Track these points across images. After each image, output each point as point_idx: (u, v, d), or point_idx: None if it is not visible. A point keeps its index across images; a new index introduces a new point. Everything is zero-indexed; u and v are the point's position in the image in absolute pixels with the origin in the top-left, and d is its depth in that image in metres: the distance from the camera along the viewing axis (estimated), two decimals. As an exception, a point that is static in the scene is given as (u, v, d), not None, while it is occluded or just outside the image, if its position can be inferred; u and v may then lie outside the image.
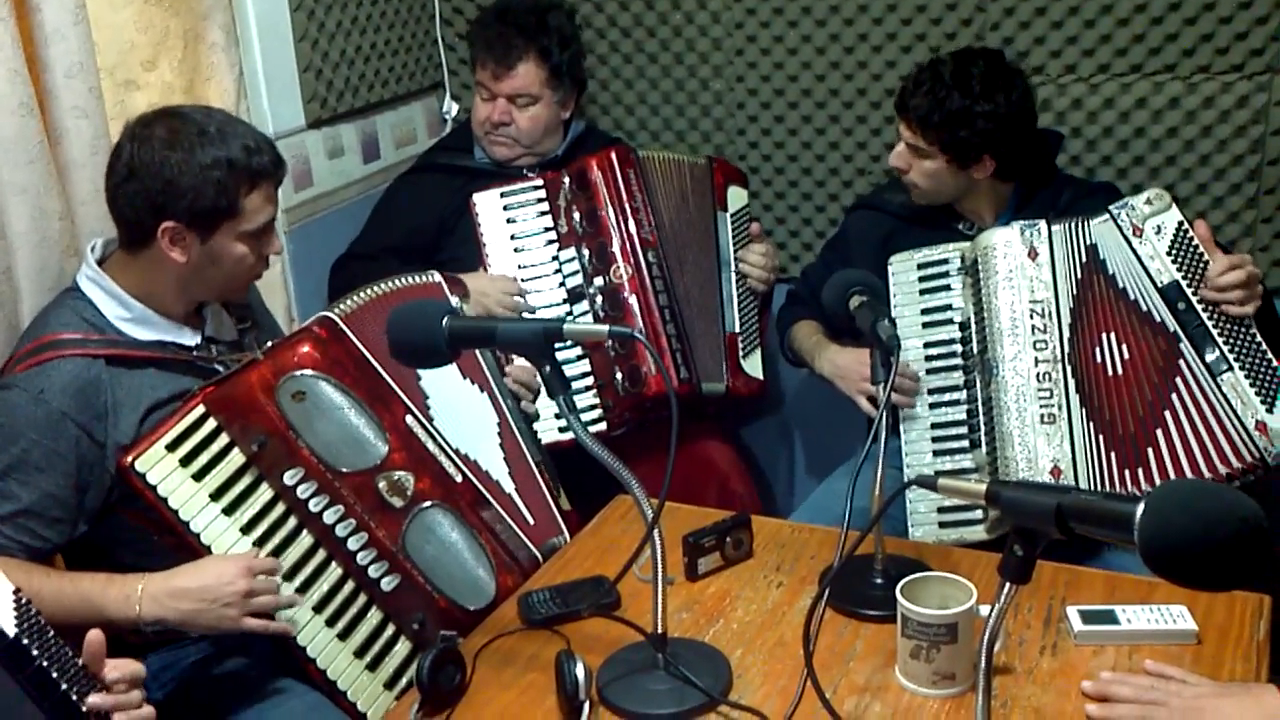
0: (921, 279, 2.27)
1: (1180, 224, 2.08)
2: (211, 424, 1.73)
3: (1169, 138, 2.66)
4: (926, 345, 2.25)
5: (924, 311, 2.26)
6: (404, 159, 2.97)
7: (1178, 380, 2.06)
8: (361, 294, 1.99)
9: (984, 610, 1.33)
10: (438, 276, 2.16)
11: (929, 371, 2.23)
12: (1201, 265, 2.05)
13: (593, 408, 2.51)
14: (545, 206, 2.58)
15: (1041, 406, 2.07)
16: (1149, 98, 2.64)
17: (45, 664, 1.20)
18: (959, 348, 2.21)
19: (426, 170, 2.79)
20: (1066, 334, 2.10)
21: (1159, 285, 2.07)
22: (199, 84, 2.41)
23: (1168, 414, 2.06)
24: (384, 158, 2.98)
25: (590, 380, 2.53)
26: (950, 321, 2.23)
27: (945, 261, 2.25)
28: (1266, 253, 2.67)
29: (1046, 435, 2.06)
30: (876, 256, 2.31)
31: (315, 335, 1.84)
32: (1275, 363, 2.02)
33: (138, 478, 1.68)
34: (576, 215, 2.56)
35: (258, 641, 1.83)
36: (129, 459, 1.68)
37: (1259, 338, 2.04)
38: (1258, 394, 2.02)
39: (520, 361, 2.13)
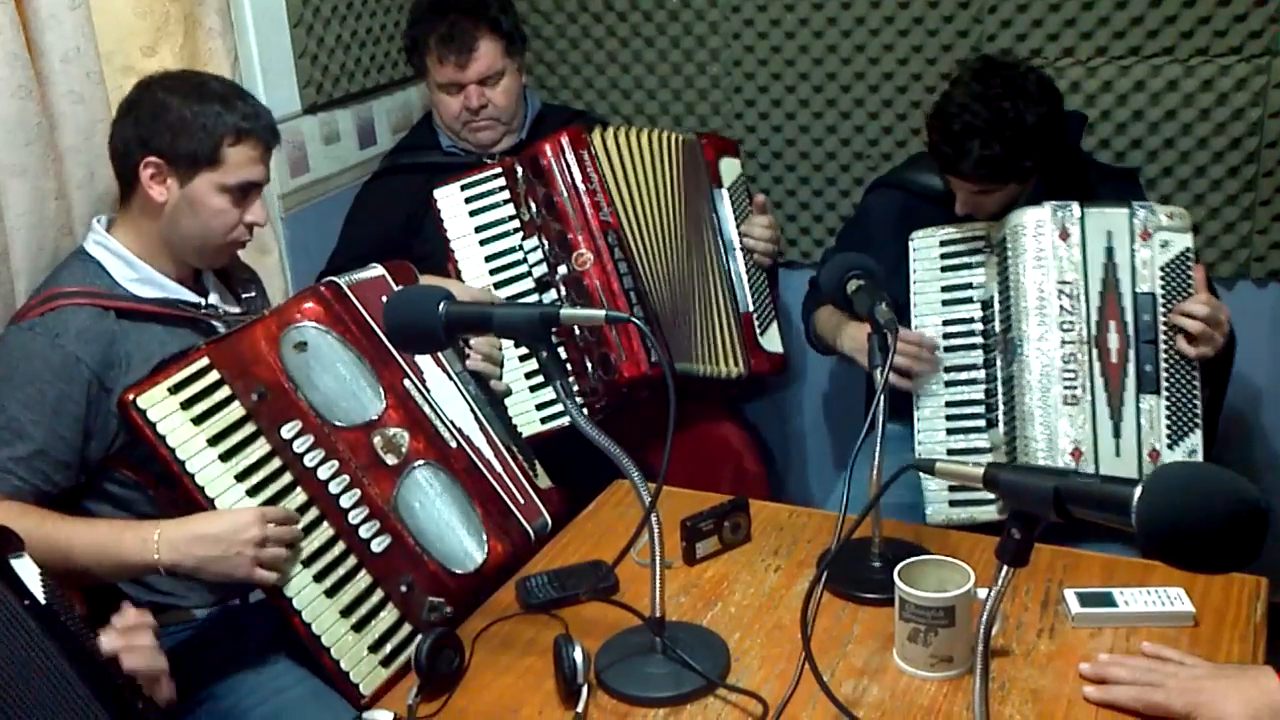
0: (944, 255, 2.25)
1: (1187, 250, 2.09)
2: (214, 375, 1.76)
3: (1167, 121, 2.65)
4: (945, 323, 2.24)
5: (944, 289, 2.24)
6: (400, 144, 2.97)
7: (1127, 383, 2.08)
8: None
9: (982, 593, 1.33)
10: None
11: (947, 350, 2.23)
12: (1183, 295, 2.08)
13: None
14: (507, 195, 2.53)
15: (1066, 388, 2.07)
16: (1147, 81, 2.64)
17: (71, 627, 1.31)
18: (979, 326, 2.20)
19: (390, 173, 2.76)
20: (1095, 317, 2.10)
21: (1136, 291, 2.09)
22: (196, 70, 2.39)
23: (1124, 409, 2.08)
24: (380, 143, 2.97)
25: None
26: (970, 300, 2.22)
27: (970, 239, 2.24)
28: (1265, 236, 2.67)
29: (1069, 416, 2.06)
30: (896, 234, 2.30)
31: (320, 293, 1.88)
32: (1199, 412, 2.05)
33: (138, 414, 1.69)
34: (533, 204, 2.51)
35: (253, 621, 1.86)
36: (132, 395, 1.70)
37: (1197, 384, 2.06)
38: (1168, 427, 2.05)
39: (477, 341, 2.12)
